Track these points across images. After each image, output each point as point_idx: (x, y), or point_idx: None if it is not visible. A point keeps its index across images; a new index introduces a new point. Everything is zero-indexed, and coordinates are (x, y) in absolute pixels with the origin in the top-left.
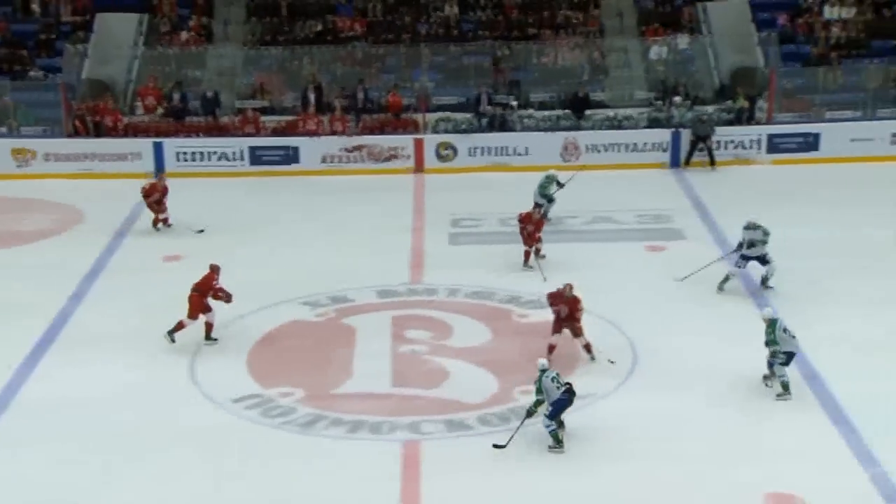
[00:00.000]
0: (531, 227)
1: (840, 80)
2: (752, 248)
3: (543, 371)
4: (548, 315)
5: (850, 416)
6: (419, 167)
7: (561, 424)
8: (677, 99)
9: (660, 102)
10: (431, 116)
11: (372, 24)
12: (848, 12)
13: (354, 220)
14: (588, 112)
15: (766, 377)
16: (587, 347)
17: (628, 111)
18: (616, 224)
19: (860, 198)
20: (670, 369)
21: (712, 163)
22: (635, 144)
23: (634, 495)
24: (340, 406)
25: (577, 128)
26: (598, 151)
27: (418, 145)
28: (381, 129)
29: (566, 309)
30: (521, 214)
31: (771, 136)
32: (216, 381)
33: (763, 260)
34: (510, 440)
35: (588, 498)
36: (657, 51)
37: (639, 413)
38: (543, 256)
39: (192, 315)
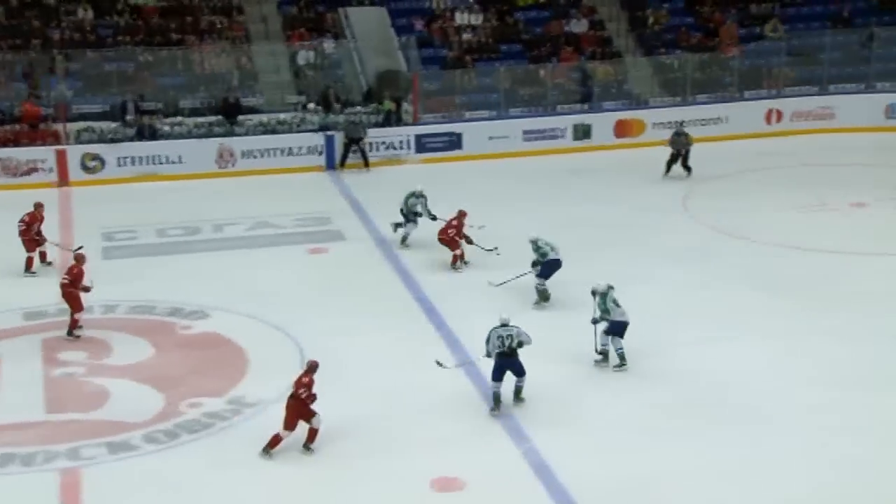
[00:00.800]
0: (453, 232)
1: (475, 81)
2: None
3: (503, 325)
4: (214, 324)
5: (502, 397)
6: (63, 180)
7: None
8: (311, 106)
9: (316, 106)
10: (73, 126)
11: None
12: (476, 19)
13: None
14: (241, 118)
15: (598, 356)
16: (313, 436)
17: (281, 116)
18: (277, 229)
19: (501, 192)
20: (339, 371)
21: (366, 164)
22: (290, 149)
23: (311, 494)
24: None
25: (231, 134)
26: (254, 157)
27: (61, 157)
28: (16, 142)
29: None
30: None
31: (419, 137)
32: None
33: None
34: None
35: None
36: (304, 55)
37: None
38: (466, 262)
39: (80, 308)
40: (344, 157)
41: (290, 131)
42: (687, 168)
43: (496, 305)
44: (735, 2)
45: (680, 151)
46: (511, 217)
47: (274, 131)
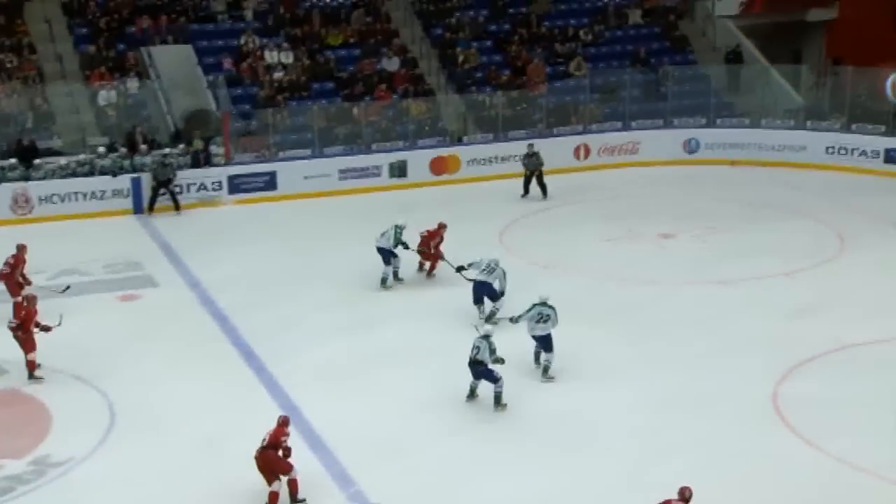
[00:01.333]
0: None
1: (288, 120)
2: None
3: (483, 336)
4: (12, 380)
5: (326, 441)
6: None
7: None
8: (101, 150)
9: (106, 151)
10: None
11: None
12: (287, 57)
13: None
14: (38, 161)
15: (540, 367)
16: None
17: (81, 157)
18: (83, 276)
19: (320, 232)
20: (154, 422)
21: (177, 206)
22: (94, 192)
23: None
24: None
25: (27, 178)
26: (55, 202)
27: None
28: None
29: None
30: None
31: (231, 177)
32: None
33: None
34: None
35: None
36: (105, 96)
37: (123, 470)
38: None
39: (32, 348)
40: (153, 200)
41: (91, 174)
42: (542, 187)
43: (318, 348)
44: (541, 41)
45: (533, 172)
46: (332, 256)
47: (74, 174)
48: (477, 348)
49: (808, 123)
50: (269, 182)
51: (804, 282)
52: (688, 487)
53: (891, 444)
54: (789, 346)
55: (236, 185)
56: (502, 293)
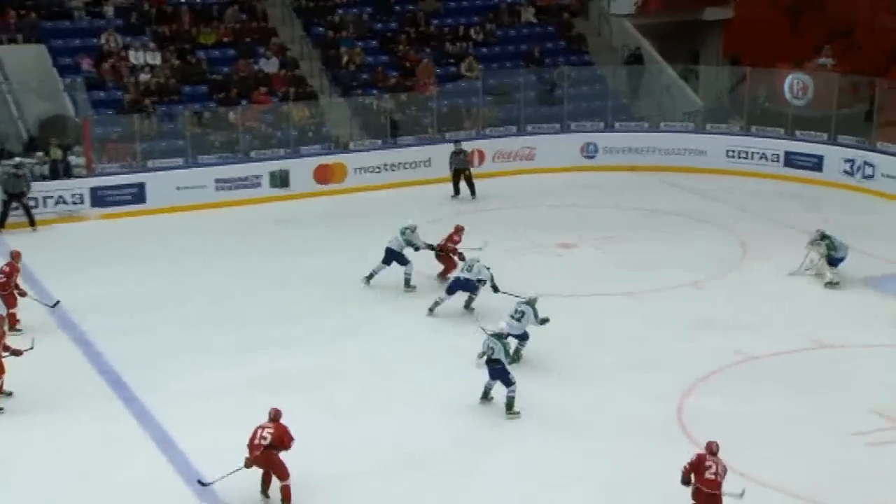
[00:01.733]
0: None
1: (157, 126)
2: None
3: (495, 335)
4: None
5: (203, 472)
6: None
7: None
8: None
9: None
10: None
11: None
12: (154, 58)
13: None
14: None
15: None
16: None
17: None
18: None
19: (196, 248)
20: (10, 465)
21: (32, 222)
22: None
23: None
24: None
25: None
26: None
27: None
28: None
29: None
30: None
31: (95, 189)
32: None
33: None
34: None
35: None
36: None
37: None
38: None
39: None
40: (4, 215)
41: None
42: (471, 187)
43: (194, 373)
44: (430, 41)
45: (460, 171)
46: (208, 274)
47: None
48: (491, 349)
49: (709, 126)
50: (137, 194)
51: (707, 292)
52: (714, 441)
53: (796, 458)
54: (693, 359)
55: (100, 198)
56: (494, 287)
